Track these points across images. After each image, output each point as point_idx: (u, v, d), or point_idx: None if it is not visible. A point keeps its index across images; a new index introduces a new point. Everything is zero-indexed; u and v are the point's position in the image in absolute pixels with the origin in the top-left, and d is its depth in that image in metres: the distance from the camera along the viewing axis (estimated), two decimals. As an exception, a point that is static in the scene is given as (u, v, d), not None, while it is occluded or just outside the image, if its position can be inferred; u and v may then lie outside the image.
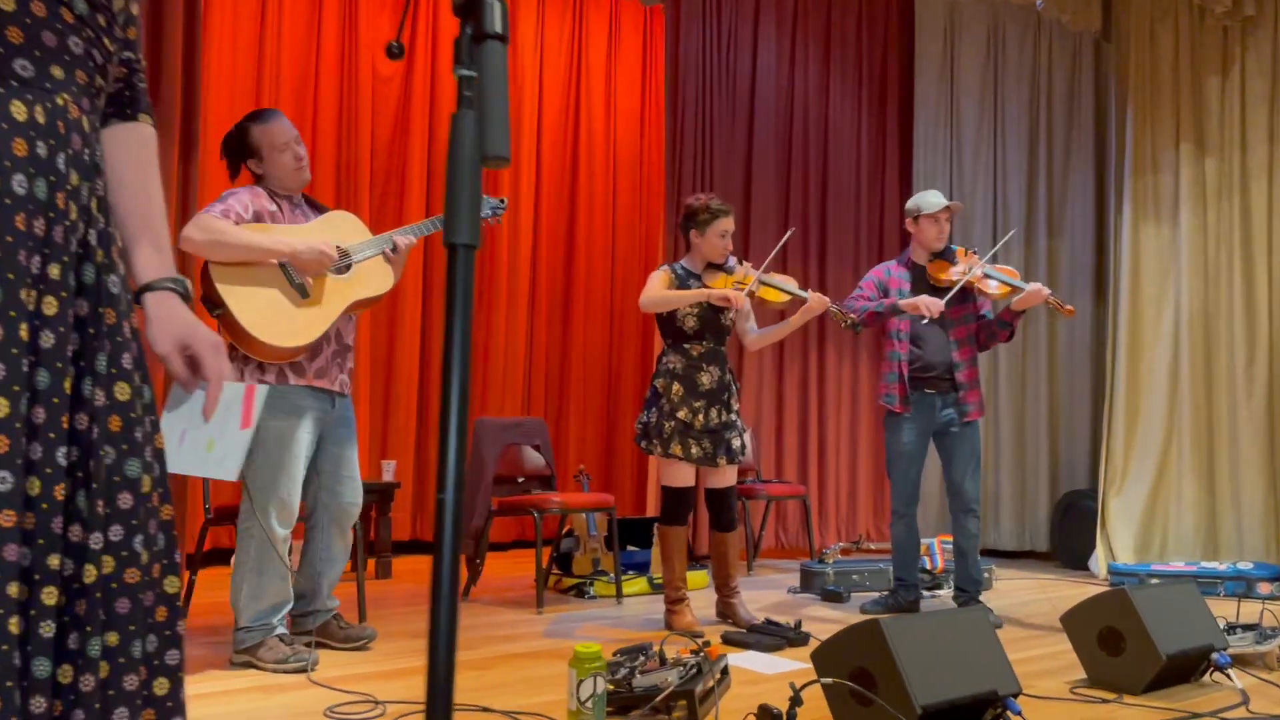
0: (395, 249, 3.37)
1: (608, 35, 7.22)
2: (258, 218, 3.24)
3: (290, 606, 3.38)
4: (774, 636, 3.78)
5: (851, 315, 4.04)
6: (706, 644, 3.13)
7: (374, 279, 3.38)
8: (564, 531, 5.04)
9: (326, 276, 3.28)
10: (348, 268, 3.34)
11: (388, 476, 5.37)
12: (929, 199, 4.36)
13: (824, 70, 6.86)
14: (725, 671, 3.14)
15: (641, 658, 3.07)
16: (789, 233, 4.40)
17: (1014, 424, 6.70)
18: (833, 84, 6.88)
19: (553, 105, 6.98)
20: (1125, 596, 3.17)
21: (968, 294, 4.32)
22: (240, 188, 3.30)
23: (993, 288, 4.22)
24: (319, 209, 3.49)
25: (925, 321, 4.24)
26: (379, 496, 5.26)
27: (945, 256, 4.38)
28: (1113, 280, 6.20)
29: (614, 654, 3.10)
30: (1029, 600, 5.00)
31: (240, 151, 3.35)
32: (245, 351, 3.19)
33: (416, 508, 6.26)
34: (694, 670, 2.93)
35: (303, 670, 3.20)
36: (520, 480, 4.91)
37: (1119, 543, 5.80)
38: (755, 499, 5.81)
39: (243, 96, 5.70)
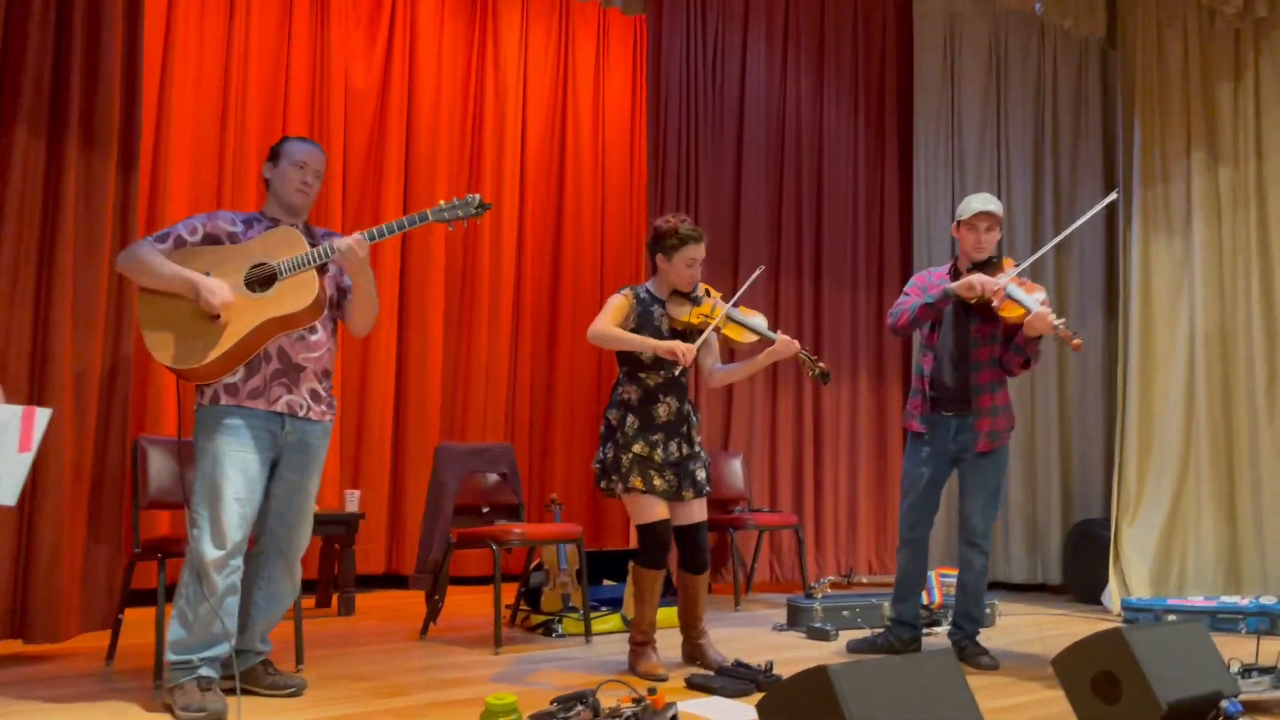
0: (329, 255, 3.15)
1: (595, 47, 7.01)
2: (211, 239, 3.19)
3: (224, 650, 3.10)
4: (741, 680, 3.47)
5: (821, 364, 3.72)
6: (652, 690, 2.84)
7: (292, 296, 3.17)
8: (533, 565, 4.75)
9: (240, 296, 3.13)
10: (270, 283, 3.14)
11: (352, 507, 5.11)
12: (971, 203, 3.97)
13: (818, 84, 6.60)
14: (675, 721, 2.84)
15: (579, 707, 2.78)
16: (757, 271, 4.08)
17: (1023, 449, 6.35)
18: (827, 98, 6.62)
19: (537, 119, 6.76)
20: (1120, 637, 2.83)
21: (993, 311, 3.88)
22: (204, 213, 3.29)
23: (1003, 307, 3.77)
24: (313, 236, 3.35)
25: (943, 339, 4.00)
26: (343, 528, 5.00)
27: (987, 267, 4.03)
28: (1122, 298, 5.86)
29: (551, 702, 2.81)
30: (1032, 638, 4.64)
31: (273, 153, 3.35)
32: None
33: (392, 540, 5.99)
34: (630, 722, 2.64)
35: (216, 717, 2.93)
36: (485, 510, 4.63)
37: (1134, 575, 5.43)
38: (743, 529, 5.50)
39: (208, 109, 5.52)
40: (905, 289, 4.14)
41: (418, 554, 4.39)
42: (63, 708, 3.06)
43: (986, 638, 4.60)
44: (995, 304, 3.79)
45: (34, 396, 3.83)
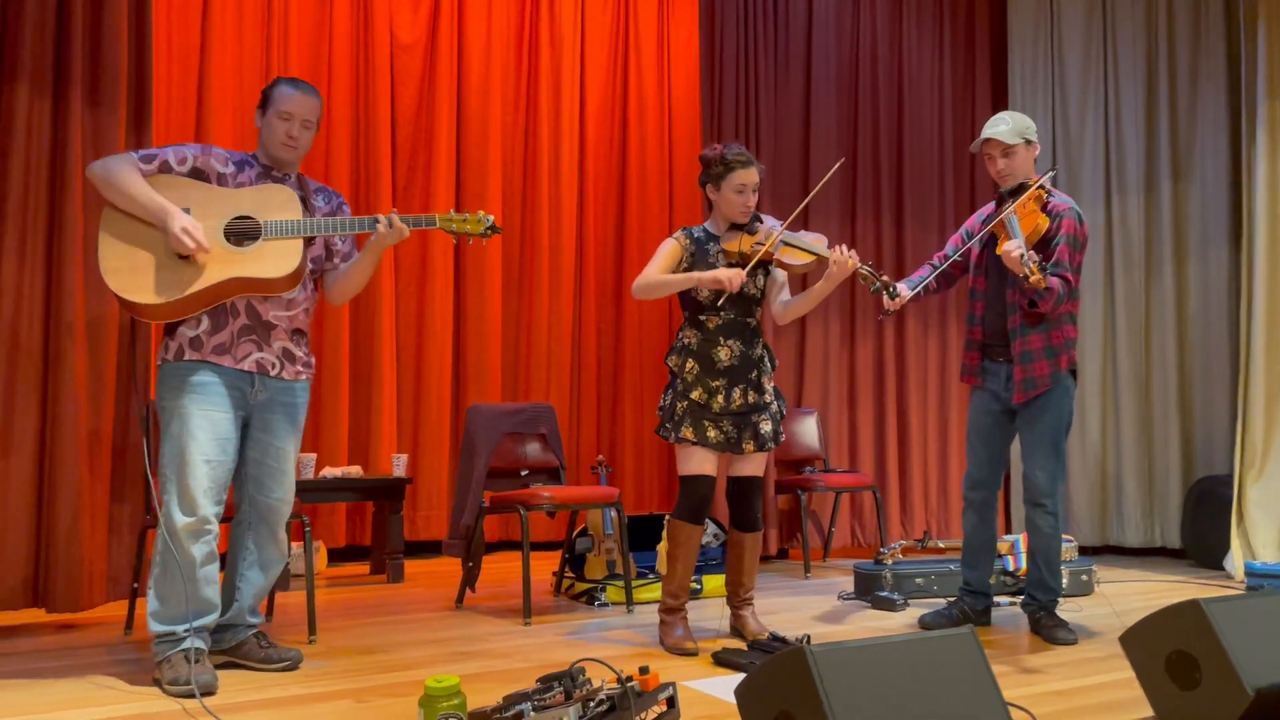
0: (367, 227, 3.04)
1: (658, -14, 6.61)
2: (199, 174, 2.98)
3: (210, 618, 2.94)
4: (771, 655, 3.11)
5: (884, 277, 3.35)
6: (643, 670, 2.52)
7: (272, 260, 2.97)
8: (577, 531, 4.48)
9: (215, 244, 2.93)
10: (252, 239, 2.95)
11: (399, 471, 4.93)
12: (982, 132, 3.63)
13: (896, 3, 6.05)
14: (672, 703, 2.52)
15: (556, 688, 2.49)
16: (832, 169, 3.68)
17: (1138, 397, 5.72)
18: (907, 17, 6.06)
19: (597, 66, 6.42)
20: (1199, 611, 2.37)
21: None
22: (196, 143, 3.08)
23: (1000, 241, 3.49)
24: (305, 190, 3.16)
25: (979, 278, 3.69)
26: (387, 493, 4.84)
27: (1017, 194, 3.62)
28: (1246, 224, 5.17)
29: (537, 681, 2.53)
30: (1132, 609, 4.12)
31: (263, 97, 3.13)
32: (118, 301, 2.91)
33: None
34: (604, 707, 2.33)
35: (190, 695, 2.76)
36: (523, 474, 4.37)
37: (1259, 538, 4.81)
38: (814, 491, 5.10)
39: (250, 64, 5.39)
40: (960, 230, 3.86)
41: (449, 520, 4.17)
42: (40, 681, 2.94)
43: (1078, 608, 4.12)
44: (1000, 238, 3.48)
45: (48, 360, 3.74)
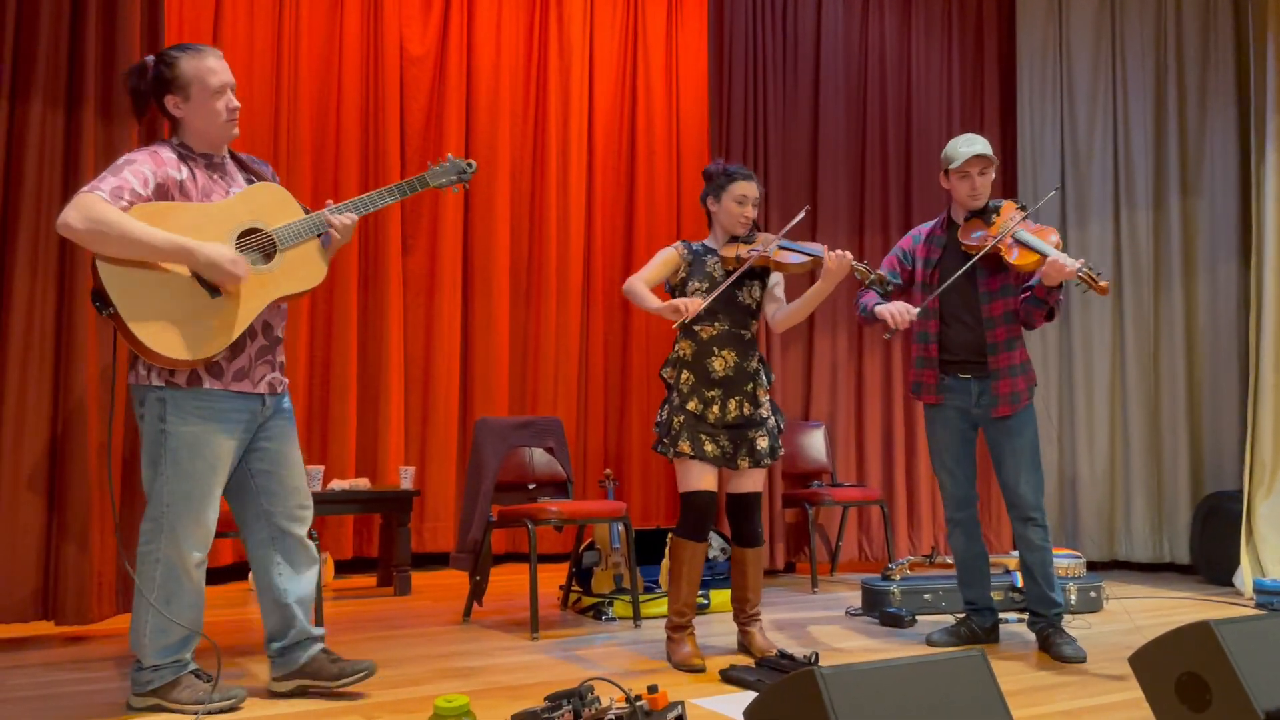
0: (327, 232, 2.91)
1: (667, -3, 6.63)
2: (162, 192, 2.68)
3: (198, 639, 2.89)
4: (782, 674, 3.11)
5: (879, 272, 3.40)
6: (652, 689, 2.52)
7: (303, 270, 2.87)
8: (584, 545, 4.47)
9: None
10: (272, 255, 2.84)
11: (406, 484, 4.94)
12: (958, 148, 3.61)
13: (905, 17, 6.06)
14: (680, 722, 2.52)
15: (565, 706, 2.49)
16: (796, 217, 3.69)
17: (1146, 411, 5.71)
18: (915, 31, 6.07)
19: (605, 75, 6.44)
20: (1209, 632, 2.36)
21: (1002, 262, 3.53)
22: (139, 152, 2.73)
23: (1014, 256, 3.45)
24: (247, 169, 2.97)
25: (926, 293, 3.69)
26: (394, 505, 4.84)
27: (984, 214, 3.62)
28: (1255, 240, 5.17)
29: (545, 699, 2.54)
30: (1142, 626, 4.11)
31: (158, 86, 2.77)
32: (141, 356, 2.70)
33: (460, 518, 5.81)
34: (612, 726, 2.33)
35: (232, 709, 2.76)
36: (531, 487, 4.37)
37: (1269, 554, 4.79)
38: (821, 505, 5.09)
39: (261, 77, 5.41)
40: (892, 251, 3.80)
41: (457, 532, 4.17)
42: (49, 695, 2.95)
43: (1087, 625, 4.11)
44: (1005, 254, 3.47)
45: (58, 371, 3.76)
